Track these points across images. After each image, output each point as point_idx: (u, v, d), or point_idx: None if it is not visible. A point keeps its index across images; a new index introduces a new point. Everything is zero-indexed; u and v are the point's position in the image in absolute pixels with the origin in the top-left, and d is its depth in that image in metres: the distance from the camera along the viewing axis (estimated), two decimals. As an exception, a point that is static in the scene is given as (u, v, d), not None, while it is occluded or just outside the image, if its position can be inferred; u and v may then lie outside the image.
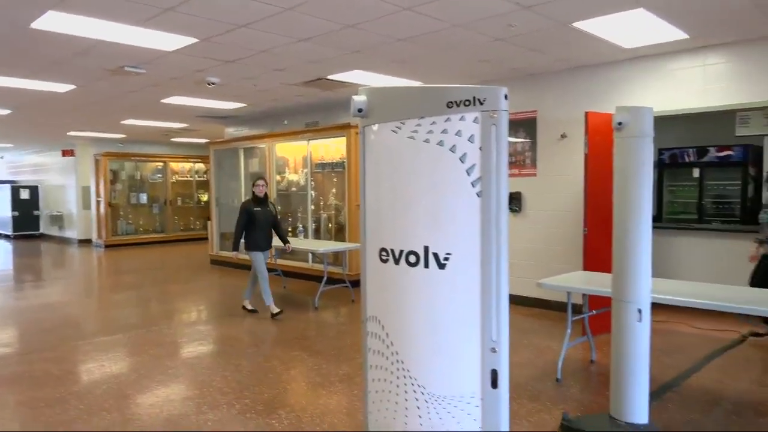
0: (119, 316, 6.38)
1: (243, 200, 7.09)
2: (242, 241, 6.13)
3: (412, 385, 2.19)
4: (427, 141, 2.05)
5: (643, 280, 3.03)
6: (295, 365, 4.50)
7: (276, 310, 6.06)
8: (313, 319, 6.16)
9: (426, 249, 2.10)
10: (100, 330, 5.73)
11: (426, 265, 2.10)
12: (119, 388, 3.98)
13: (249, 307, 6.33)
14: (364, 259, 2.40)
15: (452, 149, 2.00)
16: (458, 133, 1.99)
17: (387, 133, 2.17)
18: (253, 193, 6.18)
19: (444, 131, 2.01)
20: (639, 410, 3.08)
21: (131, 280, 8.78)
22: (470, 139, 1.97)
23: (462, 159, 1.99)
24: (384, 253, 2.26)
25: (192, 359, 4.71)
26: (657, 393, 3.83)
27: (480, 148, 1.96)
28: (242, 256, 6.46)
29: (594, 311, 4.42)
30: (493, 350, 1.99)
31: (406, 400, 2.22)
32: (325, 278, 6.75)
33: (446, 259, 2.06)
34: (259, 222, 6.10)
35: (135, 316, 6.33)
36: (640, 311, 3.03)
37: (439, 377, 2.13)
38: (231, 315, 6.28)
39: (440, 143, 2.02)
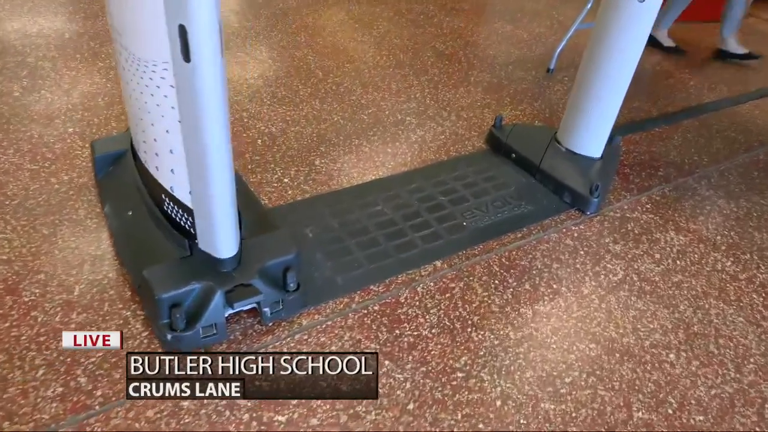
0: None
1: None
2: None
3: (117, 42, 1.34)
4: None
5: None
6: None
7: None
8: None
9: None
10: None
11: None
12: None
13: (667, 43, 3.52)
14: None
15: None
16: None
17: None
18: None
19: None
20: (590, 144, 2.11)
21: None
22: None
23: None
24: None
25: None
26: (653, 120, 2.73)
27: None
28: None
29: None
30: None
31: (119, 56, 1.41)
32: None
33: None
34: None
35: None
36: (643, -15, 1.77)
37: (130, 27, 1.26)
38: None
39: None
